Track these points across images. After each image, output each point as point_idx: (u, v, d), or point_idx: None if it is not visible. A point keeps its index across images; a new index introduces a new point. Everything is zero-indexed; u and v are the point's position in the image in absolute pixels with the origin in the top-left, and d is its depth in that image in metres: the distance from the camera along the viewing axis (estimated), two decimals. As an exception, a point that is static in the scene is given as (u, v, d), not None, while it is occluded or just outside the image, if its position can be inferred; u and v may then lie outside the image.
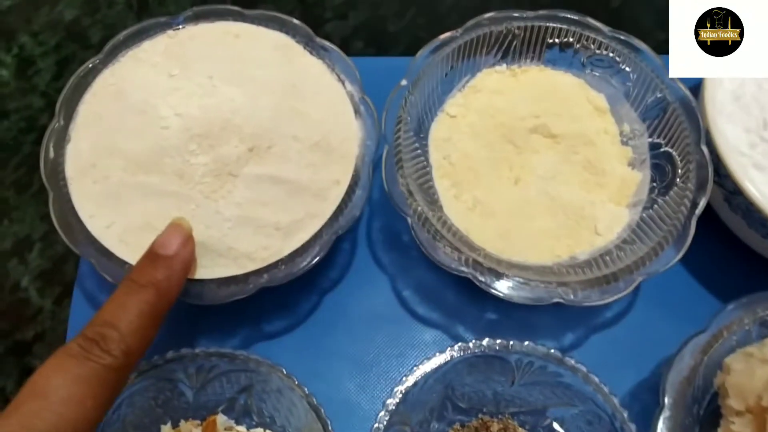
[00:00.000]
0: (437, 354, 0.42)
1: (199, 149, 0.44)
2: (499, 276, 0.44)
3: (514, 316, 0.50)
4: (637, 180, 0.49)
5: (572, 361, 0.42)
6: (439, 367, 0.42)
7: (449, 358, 0.42)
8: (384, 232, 0.54)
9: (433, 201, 0.48)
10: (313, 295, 0.52)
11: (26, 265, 0.54)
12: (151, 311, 0.38)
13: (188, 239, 0.41)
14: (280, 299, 0.50)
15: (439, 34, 0.51)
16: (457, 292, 0.51)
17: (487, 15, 0.51)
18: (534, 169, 0.50)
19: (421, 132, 0.50)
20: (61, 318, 0.52)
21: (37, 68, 0.62)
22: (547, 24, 0.51)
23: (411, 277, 0.52)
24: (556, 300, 0.43)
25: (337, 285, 0.52)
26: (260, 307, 0.50)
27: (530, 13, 0.51)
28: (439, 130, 0.51)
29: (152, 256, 0.40)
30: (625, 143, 0.51)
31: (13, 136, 0.59)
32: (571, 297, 0.43)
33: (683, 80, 0.48)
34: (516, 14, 0.51)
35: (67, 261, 0.54)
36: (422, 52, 0.50)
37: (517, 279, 0.44)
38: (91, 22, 0.64)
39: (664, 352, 0.47)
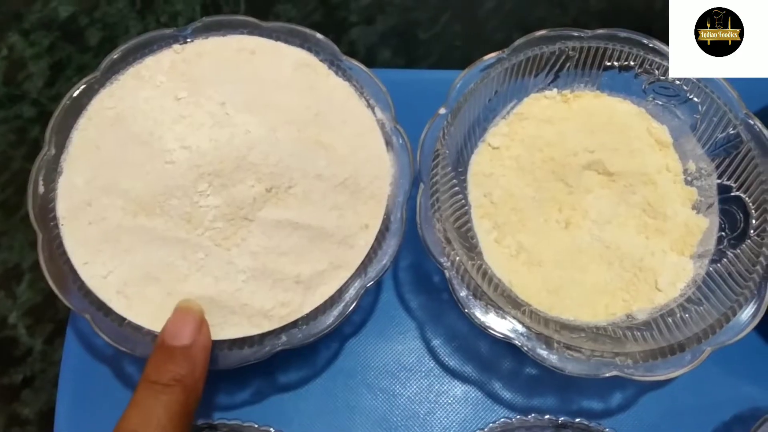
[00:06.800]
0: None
1: (210, 189, 0.39)
2: (549, 343, 0.39)
3: (555, 372, 0.45)
4: (702, 227, 0.44)
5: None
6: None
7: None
8: (412, 271, 0.49)
9: (472, 246, 0.43)
10: (333, 341, 0.47)
11: (14, 298, 0.49)
12: (183, 411, 0.33)
13: (201, 323, 0.37)
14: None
15: (475, 44, 0.44)
16: (493, 342, 0.46)
17: (539, 33, 0.44)
18: (587, 211, 0.44)
19: (460, 165, 0.44)
20: (53, 360, 0.48)
21: (28, 72, 0.55)
22: (606, 45, 0.45)
23: (442, 323, 0.47)
24: (613, 374, 0.38)
25: (359, 331, 0.47)
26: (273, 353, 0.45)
27: (588, 32, 0.44)
28: (480, 163, 0.45)
29: (166, 349, 0.35)
30: (689, 183, 0.45)
31: (1, 150, 0.53)
32: (632, 371, 0.38)
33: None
34: (574, 33, 0.44)
35: (60, 295, 0.49)
36: (463, 77, 0.44)
37: (570, 353, 0.38)
38: (89, 21, 0.57)
39: (721, 417, 0.45)
